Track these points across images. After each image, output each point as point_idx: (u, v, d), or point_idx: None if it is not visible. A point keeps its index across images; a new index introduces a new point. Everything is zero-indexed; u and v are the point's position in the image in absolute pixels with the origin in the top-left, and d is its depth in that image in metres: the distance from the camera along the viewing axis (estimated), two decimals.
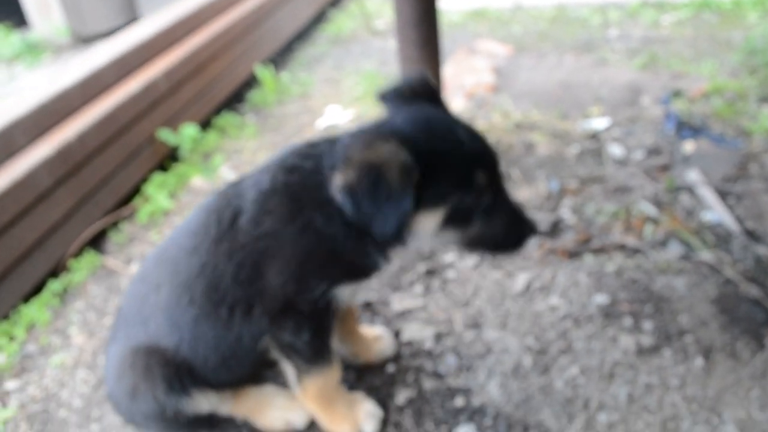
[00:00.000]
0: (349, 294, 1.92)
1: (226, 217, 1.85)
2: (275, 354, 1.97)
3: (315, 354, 1.93)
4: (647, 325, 2.45)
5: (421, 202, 1.63)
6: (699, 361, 2.28)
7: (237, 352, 1.93)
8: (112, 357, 2.02)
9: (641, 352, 2.34)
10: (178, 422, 1.99)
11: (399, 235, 1.64)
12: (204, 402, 1.99)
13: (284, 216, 1.77)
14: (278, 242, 1.77)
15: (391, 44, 6.01)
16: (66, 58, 6.45)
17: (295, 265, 1.78)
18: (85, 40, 6.76)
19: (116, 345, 2.02)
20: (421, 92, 1.86)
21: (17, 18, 6.93)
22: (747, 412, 2.07)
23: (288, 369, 2.02)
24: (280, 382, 2.26)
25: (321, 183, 1.73)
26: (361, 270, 1.88)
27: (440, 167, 1.63)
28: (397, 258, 1.95)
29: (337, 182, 1.57)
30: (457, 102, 4.53)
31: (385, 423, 2.16)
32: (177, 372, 1.92)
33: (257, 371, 2.16)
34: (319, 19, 7.01)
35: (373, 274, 1.91)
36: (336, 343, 2.17)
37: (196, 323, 1.89)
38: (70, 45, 6.76)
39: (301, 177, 1.78)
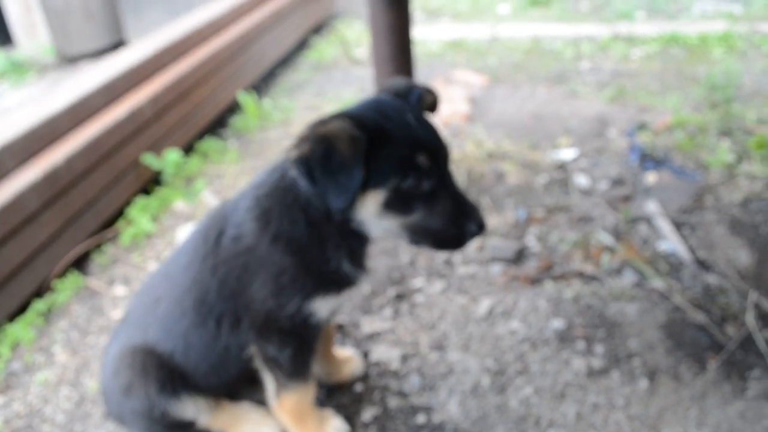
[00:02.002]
0: (327, 311, 2.02)
1: (211, 236, 2.03)
2: (258, 364, 2.12)
3: (295, 370, 2.08)
4: (599, 348, 2.63)
5: (365, 181, 1.68)
6: (644, 383, 2.45)
7: (224, 360, 2.10)
8: (110, 355, 2.19)
9: (591, 373, 2.51)
10: (161, 424, 2.14)
11: (349, 212, 1.76)
12: (191, 407, 2.15)
13: (257, 230, 1.92)
14: (255, 257, 1.93)
15: (371, 72, 6.20)
16: (51, 77, 6.57)
17: (271, 279, 1.92)
18: (70, 59, 6.87)
19: (116, 345, 2.19)
20: (402, 94, 1.89)
21: (2, 36, 7.02)
22: (684, 430, 2.24)
23: (268, 381, 2.17)
24: (256, 399, 2.41)
25: (285, 188, 1.88)
26: (333, 281, 1.95)
27: (384, 147, 1.68)
28: (369, 277, 2.04)
29: (292, 156, 1.65)
30: None
31: None
32: (170, 375, 2.09)
33: (243, 379, 2.28)
34: (301, 45, 7.20)
35: (347, 289, 2.00)
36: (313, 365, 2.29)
37: (187, 333, 2.07)
38: (55, 64, 6.87)
39: (268, 189, 1.93)
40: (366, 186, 1.69)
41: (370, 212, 1.77)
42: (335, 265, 1.93)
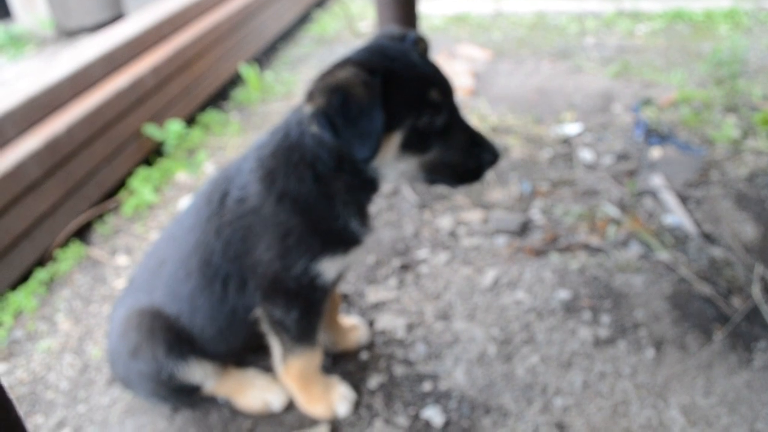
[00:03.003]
0: (334, 272, 2.00)
1: (215, 198, 2.01)
2: (265, 328, 2.11)
3: (302, 333, 2.07)
4: (605, 318, 2.62)
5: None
6: (650, 352, 2.44)
7: (231, 323, 2.09)
8: (117, 317, 2.18)
9: (598, 343, 2.51)
10: (168, 387, 2.14)
11: (347, 162, 1.78)
12: (198, 371, 2.15)
13: (262, 191, 1.90)
14: (260, 219, 1.91)
15: None
16: (50, 51, 6.51)
17: (277, 240, 1.90)
18: (69, 33, 6.81)
19: (123, 307, 2.18)
20: (399, 38, 1.87)
21: (1, 10, 6.97)
22: (691, 399, 2.24)
23: (275, 345, 2.16)
24: (262, 365, 2.41)
25: (290, 147, 1.86)
26: (340, 240, 1.93)
27: (395, 88, 1.66)
28: (372, 236, 2.02)
29: (308, 111, 1.64)
30: None
31: (357, 405, 2.31)
32: (178, 337, 2.08)
33: (249, 344, 2.28)
34: (303, 19, 7.13)
35: (354, 248, 1.98)
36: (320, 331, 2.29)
37: (193, 296, 2.05)
38: (54, 38, 6.80)
39: (272, 149, 1.90)
40: (384, 129, 1.66)
41: (389, 156, 1.75)
42: (343, 222, 1.91)
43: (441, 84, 1.74)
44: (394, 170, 1.82)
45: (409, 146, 1.74)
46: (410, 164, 1.80)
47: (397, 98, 1.66)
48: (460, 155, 1.78)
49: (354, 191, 1.89)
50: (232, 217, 1.95)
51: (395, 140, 1.71)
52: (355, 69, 1.63)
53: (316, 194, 1.86)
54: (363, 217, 1.97)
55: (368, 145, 1.63)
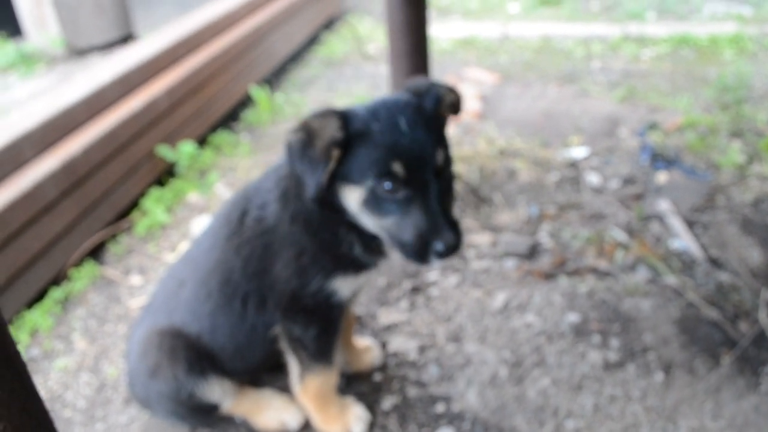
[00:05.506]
0: (349, 290, 2.04)
1: (234, 217, 2.08)
2: (283, 345, 2.16)
3: (320, 351, 2.11)
4: (614, 342, 2.66)
5: (347, 176, 1.76)
6: (659, 376, 2.48)
7: (251, 341, 2.14)
8: (137, 338, 2.23)
9: (607, 366, 2.54)
10: (187, 406, 2.18)
11: (333, 200, 1.83)
12: (217, 389, 2.19)
13: (278, 211, 1.97)
14: (277, 237, 1.97)
15: (383, 69, 6.24)
16: (60, 69, 6.59)
17: (293, 258, 1.96)
18: (79, 52, 6.89)
19: (142, 328, 2.23)
20: (419, 94, 1.86)
21: (12, 28, 7.05)
22: (700, 422, 2.27)
23: (293, 364, 2.20)
24: (278, 386, 2.45)
25: None
26: (351, 262, 1.98)
27: (363, 149, 1.72)
28: (386, 262, 2.06)
29: (286, 138, 1.78)
30: None
31: (372, 426, 2.34)
32: (198, 356, 2.13)
33: (268, 362, 2.33)
34: (312, 41, 7.23)
35: (365, 271, 2.03)
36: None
37: (214, 314, 2.11)
38: (64, 56, 6.88)
39: (287, 170, 1.98)
40: (348, 181, 1.76)
41: (353, 206, 1.81)
42: (347, 248, 1.96)
43: (412, 158, 1.71)
44: (360, 220, 1.85)
45: (368, 205, 1.77)
46: (371, 221, 1.81)
47: (362, 159, 1.73)
48: (410, 235, 1.73)
49: (349, 223, 1.91)
50: (251, 235, 2.01)
51: (357, 194, 1.77)
52: (332, 120, 1.73)
53: (319, 219, 1.93)
54: (368, 245, 1.97)
55: (309, 190, 1.76)
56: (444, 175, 1.80)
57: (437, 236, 1.71)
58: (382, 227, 1.79)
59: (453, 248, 1.72)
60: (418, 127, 1.75)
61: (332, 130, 1.71)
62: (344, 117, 1.74)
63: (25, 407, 1.12)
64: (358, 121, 1.74)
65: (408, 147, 1.72)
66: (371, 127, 1.73)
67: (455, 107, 1.93)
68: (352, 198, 1.78)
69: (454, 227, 1.74)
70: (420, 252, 1.74)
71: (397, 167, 1.70)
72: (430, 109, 1.83)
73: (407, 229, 1.74)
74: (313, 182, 1.73)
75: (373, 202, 1.75)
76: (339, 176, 1.77)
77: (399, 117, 1.75)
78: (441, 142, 1.80)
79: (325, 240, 1.94)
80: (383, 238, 1.85)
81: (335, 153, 1.72)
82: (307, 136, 1.72)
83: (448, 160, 1.82)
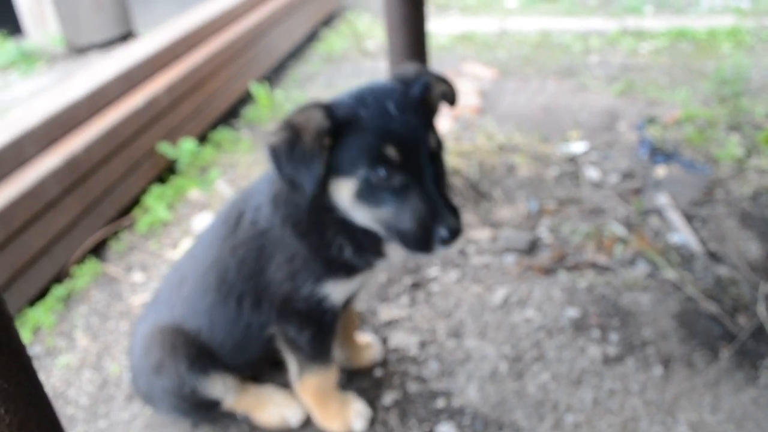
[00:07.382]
0: (341, 295, 2.03)
1: (232, 217, 2.09)
2: (280, 345, 2.17)
3: (315, 352, 2.13)
4: (613, 336, 2.68)
5: (338, 169, 1.69)
6: (658, 370, 2.50)
7: (247, 339, 2.15)
8: (140, 334, 2.25)
9: (607, 360, 2.56)
10: (189, 402, 2.21)
11: (323, 199, 1.76)
12: (219, 385, 2.21)
13: (271, 214, 1.97)
14: (270, 240, 1.98)
15: (382, 65, 6.24)
16: (60, 67, 6.60)
17: (285, 261, 1.97)
18: (79, 50, 6.90)
19: (145, 324, 2.25)
20: (407, 82, 1.81)
21: (12, 26, 7.05)
22: (699, 416, 2.29)
23: (290, 362, 2.22)
24: (280, 382, 2.47)
25: None
26: (341, 265, 1.94)
27: (354, 136, 1.65)
28: (381, 268, 2.06)
29: (266, 143, 1.69)
30: (443, 123, 4.76)
31: (373, 421, 2.36)
32: (199, 352, 2.15)
33: (266, 359, 2.35)
34: (311, 38, 7.23)
35: (358, 275, 1.99)
36: (335, 348, 2.31)
37: (211, 310, 2.13)
38: (64, 54, 6.90)
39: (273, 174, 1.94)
40: (338, 173, 1.70)
41: (345, 201, 1.74)
42: (336, 252, 1.91)
43: (405, 142, 1.65)
44: (355, 215, 1.78)
45: (362, 197, 1.70)
46: (366, 215, 1.75)
47: (352, 147, 1.66)
48: (411, 222, 1.66)
49: (342, 224, 1.86)
50: (246, 237, 2.03)
51: (349, 187, 1.70)
52: (316, 112, 1.66)
53: (308, 222, 1.89)
54: (361, 245, 1.92)
55: (303, 190, 1.68)
56: (437, 160, 1.75)
57: (439, 221, 1.64)
58: (379, 219, 1.73)
59: (456, 232, 1.66)
60: (408, 111, 1.69)
61: (318, 119, 1.64)
62: (328, 107, 1.68)
63: (31, 400, 1.14)
64: (344, 109, 1.68)
65: (400, 130, 1.66)
66: (359, 114, 1.66)
67: (449, 97, 1.89)
68: (344, 191, 1.72)
69: (454, 212, 1.69)
70: (423, 240, 1.67)
71: (391, 151, 1.63)
72: (418, 96, 1.77)
73: (406, 217, 1.66)
74: (309, 179, 1.65)
75: (367, 193, 1.68)
76: (328, 171, 1.71)
77: (387, 102, 1.69)
78: (432, 127, 1.76)
79: (314, 243, 1.91)
80: (380, 232, 1.77)
81: (327, 141, 1.65)
82: (292, 133, 1.65)
83: (440, 145, 1.77)
